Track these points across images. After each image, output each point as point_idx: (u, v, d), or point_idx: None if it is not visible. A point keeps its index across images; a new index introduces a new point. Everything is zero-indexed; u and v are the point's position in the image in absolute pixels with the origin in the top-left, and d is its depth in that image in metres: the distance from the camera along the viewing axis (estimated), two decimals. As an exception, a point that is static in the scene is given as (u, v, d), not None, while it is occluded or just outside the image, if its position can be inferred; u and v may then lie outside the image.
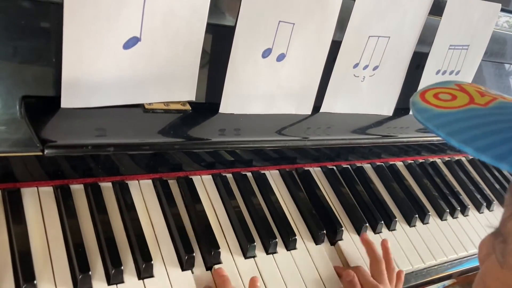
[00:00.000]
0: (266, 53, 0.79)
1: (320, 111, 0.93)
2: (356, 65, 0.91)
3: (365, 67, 0.93)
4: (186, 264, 0.73)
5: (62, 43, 0.61)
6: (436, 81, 0.46)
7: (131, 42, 0.66)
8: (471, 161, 1.34)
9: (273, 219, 0.87)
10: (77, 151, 0.64)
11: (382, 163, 1.13)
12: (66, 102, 0.65)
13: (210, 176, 0.88)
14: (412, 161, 1.19)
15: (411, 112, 0.44)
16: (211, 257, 0.76)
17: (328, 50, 0.86)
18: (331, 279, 0.83)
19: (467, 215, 1.14)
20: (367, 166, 1.10)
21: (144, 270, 0.70)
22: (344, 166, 1.06)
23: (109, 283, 0.67)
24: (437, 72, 1.05)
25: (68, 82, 0.64)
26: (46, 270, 0.65)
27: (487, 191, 1.26)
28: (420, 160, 1.21)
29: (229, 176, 0.90)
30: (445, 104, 0.42)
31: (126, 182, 0.79)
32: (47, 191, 0.73)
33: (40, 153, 0.61)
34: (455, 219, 1.11)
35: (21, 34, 0.62)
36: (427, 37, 0.98)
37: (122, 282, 0.68)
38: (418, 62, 1.02)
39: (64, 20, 0.60)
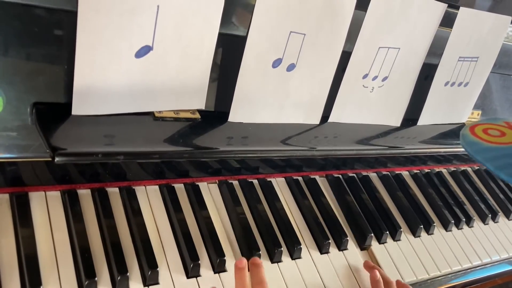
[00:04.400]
0: (277, 63, 0.79)
1: (328, 121, 0.93)
2: (365, 76, 0.91)
3: (374, 78, 0.93)
4: (191, 271, 0.73)
5: (75, 50, 0.62)
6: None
7: (143, 51, 0.66)
8: (477, 172, 1.33)
9: (278, 227, 0.87)
10: (87, 159, 0.64)
11: (388, 172, 1.13)
12: (77, 109, 0.65)
13: (216, 183, 0.88)
14: (418, 171, 1.19)
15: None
16: (217, 265, 0.76)
17: (338, 61, 0.86)
18: (336, 289, 0.84)
19: (472, 226, 1.14)
20: (373, 175, 1.10)
21: (150, 277, 0.70)
22: (350, 174, 1.06)
23: (114, 290, 0.67)
24: (446, 84, 1.04)
25: (79, 89, 0.64)
26: (52, 275, 0.65)
27: (492, 201, 1.25)
28: (426, 170, 1.21)
29: (235, 183, 0.90)
30: (493, 139, 0.44)
31: (133, 187, 0.79)
32: (54, 195, 0.73)
33: (50, 159, 0.61)
34: (460, 230, 1.11)
35: (34, 41, 0.62)
36: (436, 48, 0.98)
37: (128, 289, 0.68)
38: (426, 73, 1.01)
39: (78, 28, 0.60)
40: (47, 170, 0.72)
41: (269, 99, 0.82)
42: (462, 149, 1.13)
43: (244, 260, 0.74)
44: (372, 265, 0.89)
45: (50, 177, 0.73)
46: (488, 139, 0.44)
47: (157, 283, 0.71)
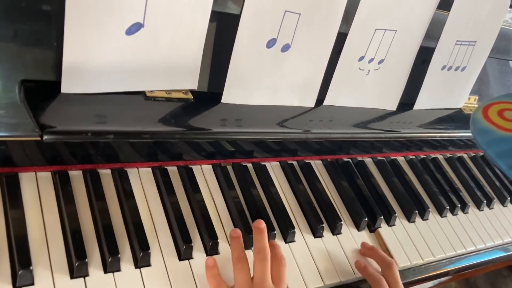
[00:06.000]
0: (271, 43, 0.78)
1: (324, 104, 0.92)
2: (361, 58, 0.90)
3: (371, 60, 0.92)
4: (183, 254, 0.73)
5: (64, 26, 0.60)
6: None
7: (134, 28, 0.65)
8: (472, 158, 1.33)
9: (272, 211, 0.87)
10: (77, 138, 0.63)
11: (384, 158, 1.12)
12: (67, 87, 0.64)
13: (210, 166, 0.88)
14: (414, 157, 1.19)
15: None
16: (209, 247, 0.75)
17: (333, 42, 0.85)
18: (329, 272, 0.83)
19: (467, 213, 1.13)
20: (368, 160, 1.10)
21: (141, 259, 0.69)
22: (345, 159, 1.05)
23: (105, 271, 0.67)
24: (443, 68, 1.03)
25: (69, 66, 0.63)
26: (42, 256, 0.64)
27: (488, 188, 1.25)
28: (422, 156, 1.21)
29: (229, 166, 0.89)
30: (509, 125, 0.36)
31: (126, 169, 0.78)
32: (45, 176, 0.72)
33: (39, 138, 0.60)
34: (455, 216, 1.10)
35: (22, 16, 0.61)
36: (434, 31, 0.97)
37: (119, 270, 0.68)
38: (423, 57, 1.00)
39: (66, 3, 0.59)
40: (38, 150, 0.70)
41: (263, 80, 0.81)
42: (458, 134, 1.14)
43: (239, 230, 0.75)
44: (369, 246, 0.89)
45: (41, 158, 0.72)
46: (503, 125, 0.36)
47: (149, 265, 0.70)
